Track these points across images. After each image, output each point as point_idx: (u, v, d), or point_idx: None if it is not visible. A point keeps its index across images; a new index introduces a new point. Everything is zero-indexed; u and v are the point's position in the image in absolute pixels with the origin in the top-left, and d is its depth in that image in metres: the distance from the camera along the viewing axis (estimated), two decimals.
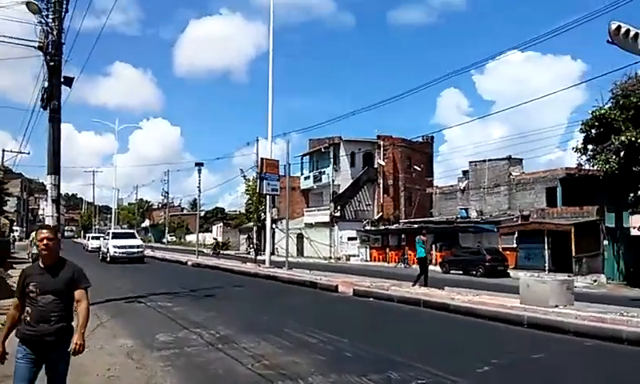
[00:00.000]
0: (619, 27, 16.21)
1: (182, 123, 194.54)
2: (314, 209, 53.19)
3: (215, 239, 59.26)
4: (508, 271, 31.09)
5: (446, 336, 10.44)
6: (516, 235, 35.13)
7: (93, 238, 54.22)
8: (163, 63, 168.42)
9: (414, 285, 17.80)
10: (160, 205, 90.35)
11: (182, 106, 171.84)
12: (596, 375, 7.49)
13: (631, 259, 27.70)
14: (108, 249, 32.89)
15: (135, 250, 33.04)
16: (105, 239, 36.41)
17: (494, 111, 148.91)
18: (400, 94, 66.04)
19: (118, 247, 32.43)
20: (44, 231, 4.41)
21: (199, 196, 46.21)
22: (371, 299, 15.41)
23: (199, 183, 43.15)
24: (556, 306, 11.79)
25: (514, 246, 34.94)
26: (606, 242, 29.73)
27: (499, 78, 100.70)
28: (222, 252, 46.83)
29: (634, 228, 30.58)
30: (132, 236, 36.44)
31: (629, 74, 24.88)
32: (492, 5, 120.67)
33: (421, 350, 8.67)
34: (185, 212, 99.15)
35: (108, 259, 32.24)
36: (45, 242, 4.34)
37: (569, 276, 21.07)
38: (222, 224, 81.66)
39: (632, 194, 26.95)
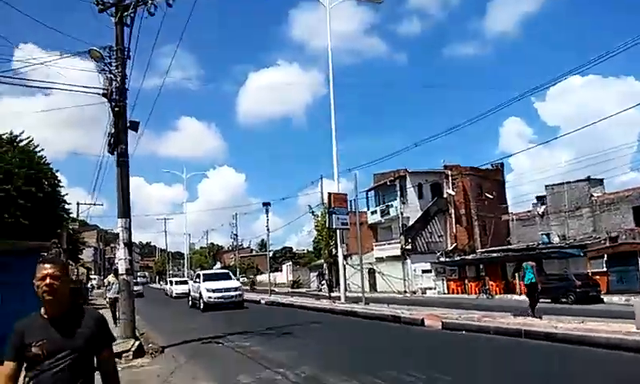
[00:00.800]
0: None
1: (246, 170, 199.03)
2: (383, 243, 52.08)
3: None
4: (601, 296, 28.94)
5: (566, 370, 9.13)
6: (605, 258, 32.77)
7: (179, 282, 49.46)
8: (226, 114, 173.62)
9: (530, 315, 16.31)
10: (230, 247, 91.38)
11: (246, 154, 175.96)
12: None
13: None
14: (200, 294, 27.65)
15: (233, 292, 27.55)
16: (195, 282, 30.59)
17: (559, 136, 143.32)
18: (461, 123, 65.02)
19: (213, 291, 27.05)
20: (47, 266, 2.97)
21: (268, 235, 46.19)
22: (463, 332, 14.13)
23: (267, 222, 43.19)
24: None
25: (604, 269, 32.56)
26: None
27: (562, 103, 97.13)
28: (294, 290, 46.25)
29: None
30: (227, 277, 30.52)
31: None
32: (546, 31, 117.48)
33: None
34: (254, 253, 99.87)
35: (201, 306, 27.20)
36: (48, 280, 2.93)
37: None
38: (291, 263, 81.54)
39: None
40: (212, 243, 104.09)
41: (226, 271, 35.44)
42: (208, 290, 27.08)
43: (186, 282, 44.92)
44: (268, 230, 44.50)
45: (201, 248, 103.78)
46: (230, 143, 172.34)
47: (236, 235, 78.03)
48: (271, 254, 71.20)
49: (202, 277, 29.58)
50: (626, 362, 9.41)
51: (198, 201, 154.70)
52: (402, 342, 13.90)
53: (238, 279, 35.10)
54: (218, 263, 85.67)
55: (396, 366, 9.34)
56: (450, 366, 9.69)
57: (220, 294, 26.90)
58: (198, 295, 28.37)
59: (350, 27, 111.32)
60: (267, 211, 44.47)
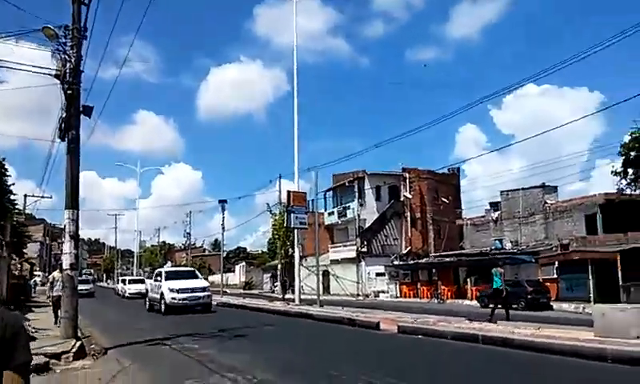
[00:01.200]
0: None
1: (203, 167, 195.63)
2: (339, 245, 51.93)
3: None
4: (551, 303, 29.41)
5: (528, 377, 8.89)
6: (556, 265, 33.36)
7: (133, 281, 45.75)
8: (185, 109, 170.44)
9: (489, 321, 16.31)
10: (182, 246, 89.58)
11: (204, 151, 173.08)
12: None
13: None
14: (162, 294, 24.25)
15: (201, 293, 24.42)
16: (156, 281, 26.45)
17: (513, 143, 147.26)
18: (420, 126, 65.53)
19: (177, 291, 23.83)
20: None
21: (223, 234, 45.24)
22: (420, 336, 13.88)
23: (223, 221, 42.28)
24: (638, 337, 10.28)
25: (555, 276, 33.14)
26: None
27: (517, 111, 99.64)
28: (246, 291, 45.53)
29: None
30: (193, 275, 27.07)
31: None
32: (506, 40, 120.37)
33: None
34: (207, 253, 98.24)
35: (162, 309, 23.96)
36: None
37: None
38: (244, 263, 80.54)
39: None
40: (164, 242, 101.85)
41: (192, 269, 31.84)
42: (171, 290, 23.92)
43: (141, 281, 41.69)
44: (223, 228, 43.60)
45: (152, 246, 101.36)
46: (188, 139, 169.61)
47: (189, 234, 76.46)
48: (225, 254, 70.21)
49: (163, 275, 25.90)
50: (585, 368, 9.27)
51: (152, 197, 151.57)
52: (358, 345, 13.53)
53: (205, 278, 32.12)
54: (169, 262, 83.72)
55: (353, 370, 8.92)
56: (408, 370, 9.34)
57: (185, 295, 23.87)
58: (158, 296, 24.97)
59: (314, 27, 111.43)
60: (223, 209, 43.62)
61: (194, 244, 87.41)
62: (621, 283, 28.42)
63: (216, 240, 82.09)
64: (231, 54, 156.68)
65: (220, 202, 43.21)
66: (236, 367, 9.52)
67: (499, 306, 18.63)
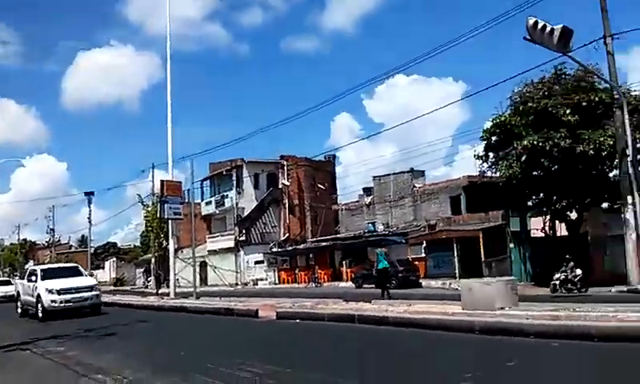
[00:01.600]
0: (536, 23, 16.29)
1: (69, 158, 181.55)
2: (217, 235, 51.18)
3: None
4: (420, 281, 31.06)
5: (404, 353, 9.12)
6: (424, 245, 35.28)
7: None
8: (49, 97, 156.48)
9: (382, 298, 16.96)
10: (45, 243, 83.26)
11: (70, 141, 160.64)
12: (587, 376, 6.50)
13: (536, 260, 28.28)
14: (38, 297, 20.33)
15: (87, 293, 20.66)
16: (30, 281, 22.32)
17: (383, 130, 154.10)
18: (295, 114, 66.52)
19: (59, 292, 19.96)
20: None
21: (90, 228, 42.60)
22: (298, 321, 13.89)
23: (90, 214, 39.74)
24: (502, 308, 11.00)
25: (423, 255, 35.05)
26: (512, 245, 30.34)
27: (388, 101, 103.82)
28: (116, 288, 43.27)
29: (536, 230, 31.75)
30: (77, 272, 22.99)
31: (525, 81, 25.62)
32: (382, 30, 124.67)
33: (381, 371, 7.32)
34: (73, 249, 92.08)
35: (39, 313, 20.13)
36: None
37: None
38: (115, 259, 76.73)
39: (534, 197, 27.70)
40: (25, 239, 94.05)
41: (75, 265, 26.40)
42: (50, 292, 20.01)
43: (6, 282, 37.11)
44: (90, 222, 41.08)
45: (11, 245, 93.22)
46: (53, 129, 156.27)
47: (52, 230, 71.23)
48: (93, 250, 66.40)
49: (39, 274, 21.75)
50: (455, 341, 9.73)
51: (11, 192, 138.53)
52: (237, 335, 13.25)
53: (90, 274, 27.79)
54: (31, 261, 77.61)
55: (230, 360, 8.61)
56: (286, 355, 9.23)
57: (69, 296, 20.10)
58: (33, 299, 21.02)
59: (190, 13, 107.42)
60: (90, 202, 41.19)
61: (58, 241, 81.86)
62: (483, 259, 30.69)
63: (83, 236, 77.16)
64: (101, 37, 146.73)
65: (86, 194, 40.54)
66: (105, 368, 8.82)
67: (386, 285, 19.56)
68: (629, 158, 19.30)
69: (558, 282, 20.55)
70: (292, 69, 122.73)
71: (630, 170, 19.31)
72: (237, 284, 45.05)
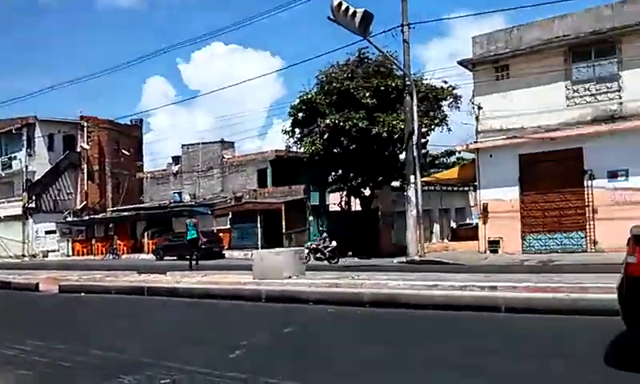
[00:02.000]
0: (340, 4, 16.94)
1: None
2: (2, 200, 45.78)
3: None
4: (223, 252, 31.21)
5: (185, 324, 8.94)
6: (230, 216, 35.45)
7: None
8: None
9: (190, 269, 17.26)
10: None
11: None
12: (354, 338, 7.00)
13: (332, 232, 30.08)
14: None
15: None
16: None
17: (196, 96, 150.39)
18: (102, 71, 61.34)
19: None
20: None
21: None
22: (82, 294, 12.96)
23: None
24: (290, 277, 11.43)
25: (228, 227, 35.21)
26: (311, 218, 31.97)
27: (205, 68, 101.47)
28: None
29: (334, 204, 33.83)
30: None
31: (332, 62, 26.82)
32: None
33: (160, 344, 7.09)
34: None
35: None
36: None
37: None
38: None
39: (333, 174, 29.32)
40: None
41: None
42: None
43: None
44: None
45: None
46: None
47: None
48: None
49: None
50: (241, 310, 9.86)
51: None
52: (8, 310, 11.94)
53: None
54: None
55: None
56: (63, 331, 8.53)
57: None
58: None
59: None
60: None
61: None
62: (284, 231, 31.78)
63: None
64: None
65: None
66: None
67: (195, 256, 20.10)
68: (414, 141, 21.21)
69: (307, 250, 21.33)
70: (105, 24, 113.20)
71: (415, 152, 21.26)
72: (24, 255, 41.02)
